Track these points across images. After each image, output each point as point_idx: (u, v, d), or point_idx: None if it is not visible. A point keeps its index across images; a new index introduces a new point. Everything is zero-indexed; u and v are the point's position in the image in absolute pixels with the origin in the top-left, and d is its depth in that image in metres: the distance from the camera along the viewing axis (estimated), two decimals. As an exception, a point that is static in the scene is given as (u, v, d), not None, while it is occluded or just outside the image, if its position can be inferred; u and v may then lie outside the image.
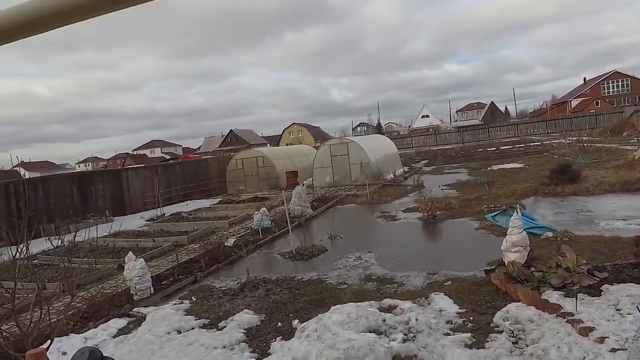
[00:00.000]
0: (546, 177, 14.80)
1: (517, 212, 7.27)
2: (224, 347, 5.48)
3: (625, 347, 4.05)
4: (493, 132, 55.63)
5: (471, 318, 5.56)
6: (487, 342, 4.88)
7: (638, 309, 4.43)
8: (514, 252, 6.89)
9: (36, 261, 10.76)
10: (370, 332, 5.33)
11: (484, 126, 62.28)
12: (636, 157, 16.56)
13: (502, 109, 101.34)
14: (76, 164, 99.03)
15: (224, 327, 6.17)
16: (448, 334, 5.17)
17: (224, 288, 8.16)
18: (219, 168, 27.86)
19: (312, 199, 17.72)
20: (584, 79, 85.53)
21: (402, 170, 27.07)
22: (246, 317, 6.34)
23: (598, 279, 5.81)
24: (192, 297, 7.77)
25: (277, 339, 5.62)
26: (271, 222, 13.21)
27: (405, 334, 5.28)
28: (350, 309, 5.84)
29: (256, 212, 13.14)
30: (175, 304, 7.48)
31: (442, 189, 17.40)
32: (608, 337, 4.27)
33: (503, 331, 5.07)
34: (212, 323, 6.45)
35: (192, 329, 6.26)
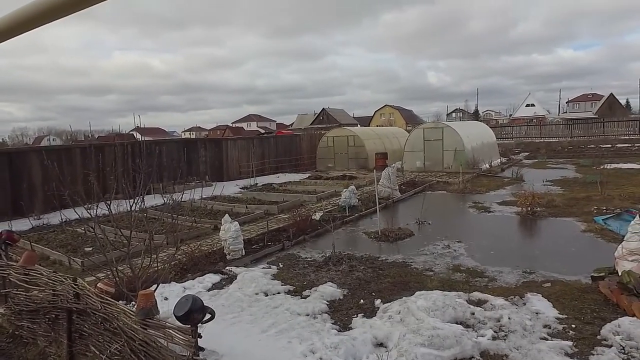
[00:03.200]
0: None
1: (638, 217, 6.38)
2: (307, 315, 5.64)
3: None
4: (609, 127, 49.28)
5: (573, 326, 5.05)
6: (593, 355, 4.40)
7: None
8: (631, 260, 6.07)
9: (146, 214, 12.02)
10: (457, 323, 5.11)
11: (598, 120, 55.55)
12: None
13: (623, 102, 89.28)
14: (182, 131, 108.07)
15: (308, 296, 6.35)
16: (545, 339, 4.75)
17: (309, 259, 8.38)
18: (310, 144, 28.47)
19: (401, 182, 17.34)
20: None
21: (499, 161, 25.32)
22: (329, 290, 6.45)
23: None
24: (279, 264, 8.11)
25: (359, 315, 5.64)
26: (358, 200, 13.21)
27: (495, 332, 4.97)
28: (436, 296, 5.64)
29: (344, 190, 13.22)
30: (263, 267, 7.86)
31: (545, 185, 15.95)
32: None
33: (612, 346, 4.53)
34: (297, 291, 6.67)
35: (278, 293, 6.54)
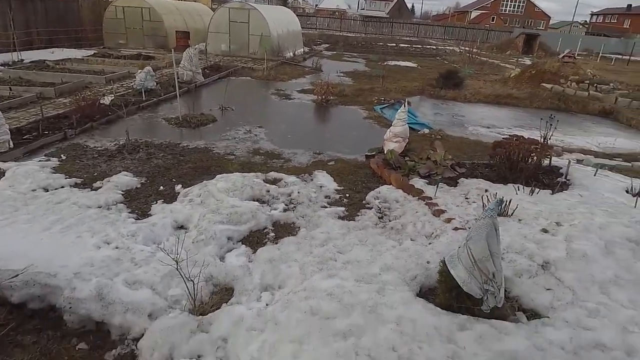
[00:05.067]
0: (434, 80, 15.78)
1: (404, 106, 7.71)
2: (100, 207, 5.25)
3: (465, 227, 4.88)
4: (396, 28, 55.90)
5: (347, 195, 6.10)
6: (358, 215, 5.46)
7: (483, 199, 5.27)
8: (395, 141, 7.46)
9: None
10: (254, 200, 5.56)
11: (388, 20, 62.15)
12: (511, 76, 18.36)
13: (410, 5, 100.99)
14: None
15: (100, 187, 5.85)
16: (325, 207, 5.65)
17: (99, 148, 7.55)
18: (93, 14, 23.75)
19: (205, 65, 16.48)
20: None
21: (302, 50, 26.28)
22: (125, 179, 6.06)
23: (457, 173, 6.68)
24: (62, 155, 7.08)
25: (159, 201, 5.54)
26: (156, 84, 12.12)
27: (286, 205, 5.63)
28: (236, 178, 5.94)
29: (139, 71, 11.85)
30: (40, 160, 6.76)
31: (339, 76, 17.54)
32: (454, 219, 5.08)
33: (372, 208, 5.70)
34: (86, 183, 6.05)
35: (62, 187, 5.81)
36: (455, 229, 4.83)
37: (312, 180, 6.51)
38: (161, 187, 6.03)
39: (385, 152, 7.39)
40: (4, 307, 3.62)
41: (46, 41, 20.61)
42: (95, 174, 6.41)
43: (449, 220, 5.05)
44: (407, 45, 38.33)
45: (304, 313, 3.28)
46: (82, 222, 4.83)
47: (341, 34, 46.47)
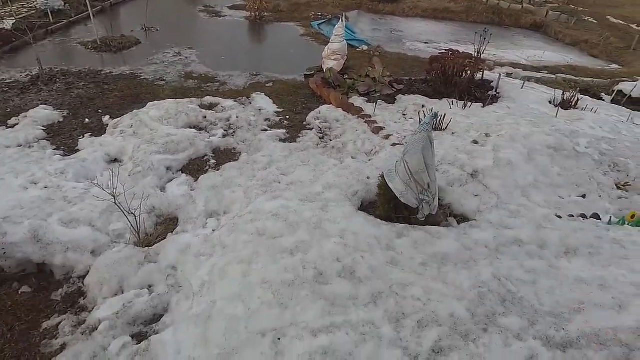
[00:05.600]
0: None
1: (342, 21, 7.44)
2: (20, 146, 4.82)
3: (402, 142, 5.06)
4: None
5: (287, 117, 6.02)
6: (299, 137, 5.46)
7: (419, 114, 5.41)
8: (333, 59, 7.30)
9: None
10: (190, 128, 5.34)
11: None
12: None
13: None
14: None
15: (16, 124, 5.32)
16: (265, 130, 5.57)
17: (8, 80, 6.74)
18: None
19: (120, -20, 14.63)
20: None
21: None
22: (44, 113, 5.54)
23: (395, 90, 6.75)
24: (-38, 90, 6.27)
25: (86, 135, 5.18)
26: (64, 3, 10.67)
27: (225, 130, 5.48)
28: (169, 105, 5.63)
29: (42, -12, 10.31)
30: (-64, 96, 5.96)
31: (272, -11, 16.36)
32: (392, 135, 5.23)
33: (313, 128, 5.69)
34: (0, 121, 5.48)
35: (-30, 126, 5.23)
36: (394, 144, 5.00)
37: (250, 103, 6.32)
38: (87, 120, 5.59)
39: (324, 70, 7.24)
40: None
41: None
42: (9, 109, 5.78)
43: (387, 137, 5.19)
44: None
45: (250, 235, 3.36)
46: (2, 163, 4.44)
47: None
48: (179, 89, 6.71)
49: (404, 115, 5.98)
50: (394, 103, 6.37)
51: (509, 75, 8.32)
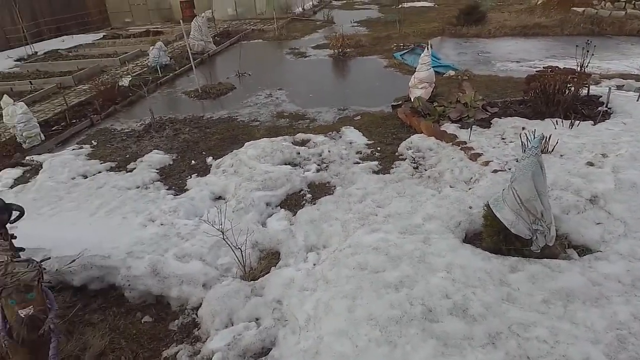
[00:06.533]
0: (454, 18, 14.96)
1: (427, 49, 7.39)
2: (138, 187, 5.38)
3: (504, 169, 4.76)
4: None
5: (378, 148, 6.01)
6: (392, 168, 5.40)
7: (520, 137, 5.08)
8: (421, 88, 7.22)
9: None
10: (285, 164, 5.56)
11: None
12: (538, 3, 17.19)
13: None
14: None
15: (134, 168, 5.97)
16: (358, 163, 5.60)
17: (126, 130, 7.66)
18: (96, -5, 23.45)
19: (214, 33, 16.18)
20: None
21: (311, 3, 25.34)
22: (157, 157, 6.15)
23: (489, 113, 6.45)
24: (92, 141, 7.22)
25: (193, 175, 5.63)
26: (170, 58, 12.02)
27: (318, 165, 5.61)
28: (264, 144, 5.93)
29: (151, 48, 11.74)
30: (74, 149, 6.92)
31: (353, 26, 16.91)
32: (492, 161, 4.95)
33: (406, 158, 5.61)
34: (120, 165, 6.18)
35: (99, 172, 5.96)
36: (495, 171, 4.72)
37: (340, 137, 6.44)
38: (193, 161, 6.10)
39: (412, 100, 7.18)
40: (67, 290, 3.83)
41: (55, 30, 20.55)
42: (128, 155, 6.53)
43: (486, 163, 4.93)
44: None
45: (352, 269, 3.33)
46: (124, 203, 4.98)
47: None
48: (272, 128, 7.08)
49: (503, 139, 5.66)
50: (490, 127, 6.07)
51: (619, 87, 7.54)
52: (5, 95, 7.33)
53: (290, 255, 3.89)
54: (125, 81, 10.18)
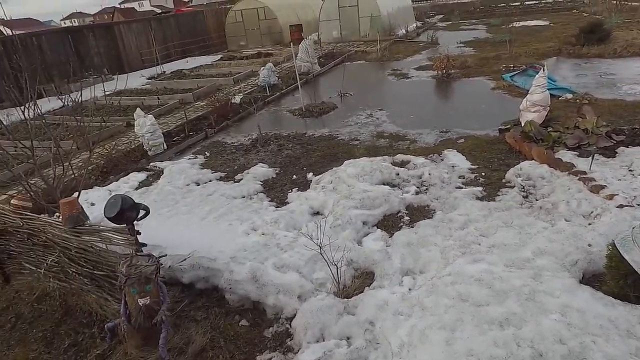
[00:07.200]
0: (573, 37, 13.76)
1: (543, 70, 6.92)
2: (243, 197, 5.74)
3: (632, 204, 4.20)
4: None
5: (483, 174, 5.70)
6: (498, 195, 5.06)
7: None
8: (533, 111, 6.74)
9: (44, 120, 10.82)
10: (384, 184, 5.53)
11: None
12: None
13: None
14: (61, 20, 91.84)
15: (241, 179, 6.40)
16: (460, 187, 5.35)
17: (235, 144, 8.26)
18: (217, 22, 25.97)
19: (319, 55, 16.88)
20: None
21: (415, 25, 25.26)
22: (261, 170, 6.53)
23: (614, 142, 5.78)
24: (206, 152, 7.92)
25: (294, 190, 5.86)
26: (278, 78, 12.79)
27: (418, 187, 5.48)
28: (364, 163, 5.97)
29: (262, 68, 12.63)
30: (189, 158, 7.65)
31: (458, 47, 16.45)
32: (617, 195, 4.40)
33: (514, 186, 5.23)
34: (229, 176, 6.67)
35: (210, 181, 6.50)
36: (620, 206, 4.19)
37: (442, 160, 6.23)
38: (294, 176, 6.36)
39: (522, 124, 6.71)
40: (176, 286, 4.18)
41: (181, 52, 23.17)
42: (236, 167, 7.03)
43: (611, 197, 4.39)
44: (534, 2, 34.23)
45: (452, 299, 3.16)
46: (230, 211, 5.34)
47: (455, 1, 43.42)
48: (371, 148, 7.12)
49: (631, 171, 5.01)
50: (615, 157, 5.43)
51: None
52: (138, 109, 8.38)
53: (385, 277, 3.82)
54: (237, 99, 11.03)
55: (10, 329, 3.93)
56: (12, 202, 4.62)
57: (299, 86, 10.45)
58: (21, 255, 4.24)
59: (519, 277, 3.27)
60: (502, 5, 34.09)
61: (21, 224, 3.94)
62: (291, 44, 10.42)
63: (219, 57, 21.64)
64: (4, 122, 4.89)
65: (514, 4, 33.80)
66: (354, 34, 21.70)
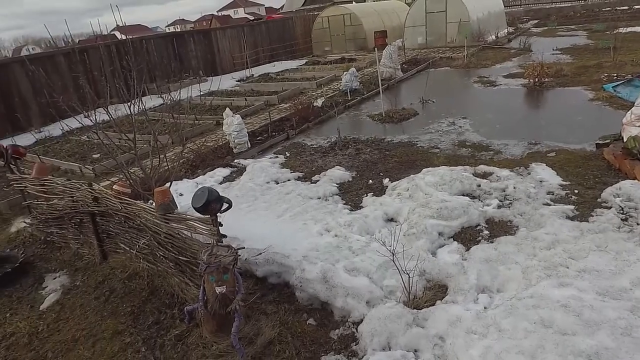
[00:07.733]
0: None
1: (653, 80, 6.19)
2: (319, 198, 5.84)
3: None
4: (628, -15, 45.45)
5: (575, 191, 5.23)
6: (592, 216, 4.61)
7: None
8: (639, 126, 6.05)
9: (146, 116, 11.89)
10: (463, 195, 5.30)
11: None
12: None
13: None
14: (166, 26, 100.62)
15: (318, 180, 6.52)
16: (548, 204, 4.96)
17: (315, 146, 8.43)
18: (304, 28, 26.75)
19: (403, 61, 16.66)
20: None
21: (506, 31, 23.92)
22: (338, 173, 6.60)
23: None
24: (286, 153, 8.19)
25: (369, 194, 5.84)
26: (360, 83, 12.84)
27: (500, 201, 5.18)
28: (443, 172, 5.77)
29: (344, 73, 12.77)
30: (270, 157, 7.96)
31: (554, 54, 15.29)
32: None
33: (612, 207, 4.73)
34: (306, 176, 6.83)
35: (289, 180, 6.71)
36: None
37: (529, 174, 5.83)
38: (370, 181, 6.34)
39: (624, 139, 6.05)
40: (250, 279, 4.37)
41: (269, 57, 24.20)
42: (314, 168, 7.18)
43: None
44: (646, 5, 30.71)
45: (533, 323, 2.94)
46: (306, 211, 5.46)
47: (552, 6, 40.40)
48: (452, 157, 6.86)
49: None
50: None
51: None
52: (227, 109, 8.91)
53: (459, 292, 3.66)
54: (318, 102, 11.27)
55: (104, 301, 4.38)
56: (114, 187, 5.15)
57: (381, 91, 10.40)
58: (118, 236, 4.71)
59: (613, 308, 2.96)
60: (607, 9, 31.03)
61: (120, 207, 4.38)
62: (375, 49, 10.40)
63: (304, 61, 22.26)
64: (112, 116, 5.46)
65: (620, 8, 30.61)
66: (439, 40, 21.11)
